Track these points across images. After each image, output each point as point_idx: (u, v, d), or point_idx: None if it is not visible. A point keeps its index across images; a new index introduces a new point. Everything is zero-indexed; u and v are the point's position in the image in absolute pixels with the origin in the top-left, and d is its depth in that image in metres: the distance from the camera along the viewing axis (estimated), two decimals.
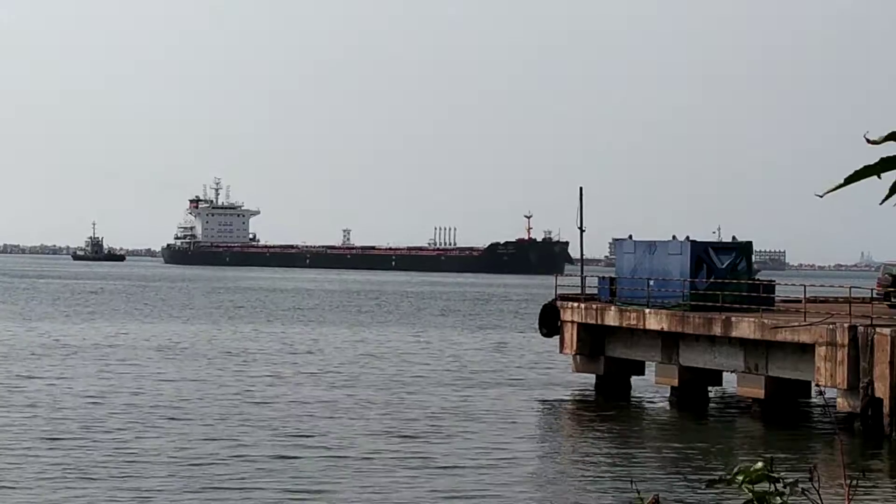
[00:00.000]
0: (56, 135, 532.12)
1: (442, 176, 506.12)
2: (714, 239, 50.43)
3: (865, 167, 3.67)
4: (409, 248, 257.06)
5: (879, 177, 3.65)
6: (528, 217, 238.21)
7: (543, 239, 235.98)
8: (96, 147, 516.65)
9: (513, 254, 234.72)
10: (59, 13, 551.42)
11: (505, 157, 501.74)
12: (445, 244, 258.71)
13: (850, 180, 3.71)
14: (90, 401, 36.81)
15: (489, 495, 24.51)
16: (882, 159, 3.66)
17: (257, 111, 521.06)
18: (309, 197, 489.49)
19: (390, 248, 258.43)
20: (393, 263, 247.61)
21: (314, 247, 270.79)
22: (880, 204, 3.72)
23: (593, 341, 42.13)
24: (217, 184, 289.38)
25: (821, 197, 3.94)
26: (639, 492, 5.12)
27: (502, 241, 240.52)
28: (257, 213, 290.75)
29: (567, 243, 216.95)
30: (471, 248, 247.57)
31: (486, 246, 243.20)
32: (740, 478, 4.24)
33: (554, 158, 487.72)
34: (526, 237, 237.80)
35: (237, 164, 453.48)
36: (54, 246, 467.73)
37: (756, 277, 43.24)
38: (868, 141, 3.69)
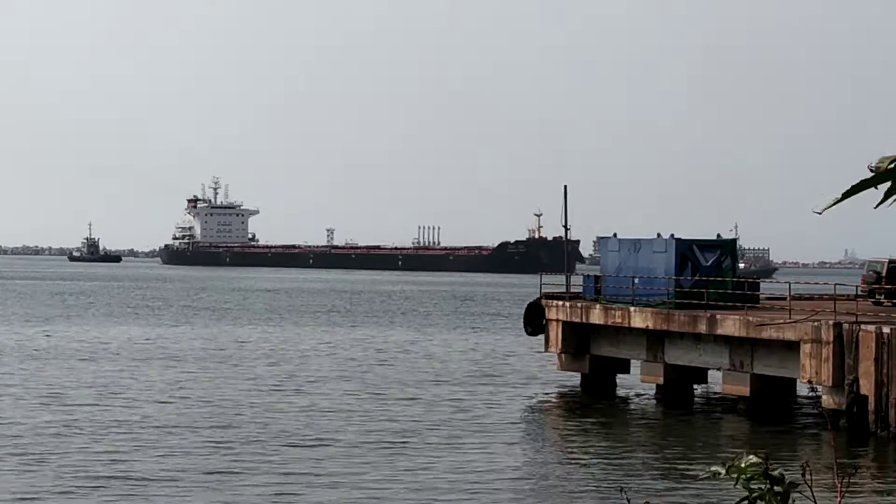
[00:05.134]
0: (46, 134, 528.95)
1: (433, 176, 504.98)
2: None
3: (862, 181, 3.88)
4: (416, 248, 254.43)
5: (876, 187, 3.87)
6: (538, 215, 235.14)
7: (554, 237, 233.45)
8: (89, 146, 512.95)
9: (523, 252, 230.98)
10: (54, 11, 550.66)
11: (496, 156, 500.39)
12: (428, 244, 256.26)
13: (847, 195, 3.89)
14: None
15: (474, 494, 24.36)
16: (876, 173, 3.89)
17: (256, 110, 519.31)
18: (309, 197, 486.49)
19: (396, 248, 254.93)
20: (399, 263, 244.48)
21: (317, 246, 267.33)
22: (875, 208, 3.94)
23: (578, 340, 41.88)
24: (216, 183, 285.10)
25: (819, 213, 4.10)
26: (629, 501, 4.98)
27: (512, 241, 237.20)
28: (256, 212, 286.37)
29: (578, 241, 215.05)
30: (480, 248, 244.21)
31: (495, 245, 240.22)
32: (735, 474, 4.16)
33: (542, 158, 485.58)
34: (536, 235, 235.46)
35: (236, 163, 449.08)
36: (36, 247, 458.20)
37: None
38: (871, 170, 3.91)
